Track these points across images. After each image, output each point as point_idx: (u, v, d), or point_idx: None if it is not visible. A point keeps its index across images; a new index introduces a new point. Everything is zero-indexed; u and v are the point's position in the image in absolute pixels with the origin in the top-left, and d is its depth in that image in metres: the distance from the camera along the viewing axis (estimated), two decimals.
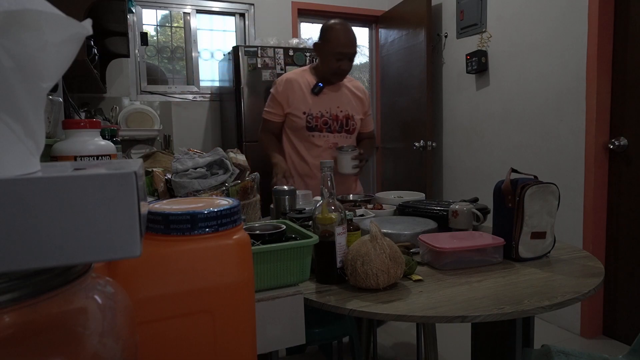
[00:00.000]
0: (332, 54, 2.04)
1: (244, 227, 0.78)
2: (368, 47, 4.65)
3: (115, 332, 0.40)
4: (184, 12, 3.83)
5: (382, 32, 4.32)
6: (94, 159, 1.13)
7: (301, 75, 2.17)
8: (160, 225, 0.59)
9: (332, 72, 2.08)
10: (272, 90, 2.18)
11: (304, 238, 1.05)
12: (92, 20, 0.41)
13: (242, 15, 3.97)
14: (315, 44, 2.14)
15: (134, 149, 3.41)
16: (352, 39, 2.06)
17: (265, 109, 2.21)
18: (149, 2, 3.65)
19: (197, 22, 3.87)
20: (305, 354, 1.87)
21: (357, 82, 2.30)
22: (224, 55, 3.69)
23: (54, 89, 1.57)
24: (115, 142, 1.48)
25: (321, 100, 2.13)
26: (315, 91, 2.12)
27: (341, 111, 2.17)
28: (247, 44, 3.86)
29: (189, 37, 3.85)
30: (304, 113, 2.12)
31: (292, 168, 2.18)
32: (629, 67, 2.44)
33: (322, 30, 2.10)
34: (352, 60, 2.08)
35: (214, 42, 4.02)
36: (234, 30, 4.02)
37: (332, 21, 2.10)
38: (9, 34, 0.34)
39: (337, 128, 2.16)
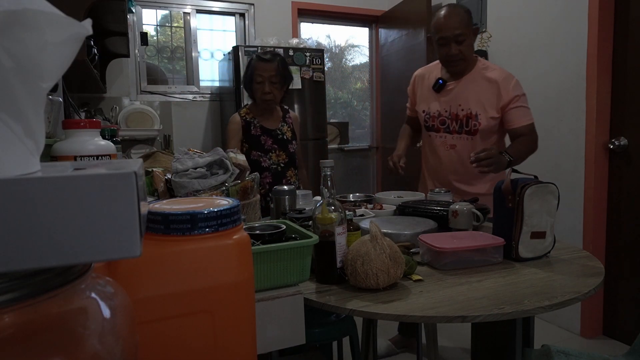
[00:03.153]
0: (437, 42, 1.91)
1: (244, 227, 0.78)
2: (368, 47, 4.65)
3: (115, 332, 0.40)
4: (184, 12, 3.82)
5: (382, 32, 4.32)
6: (94, 159, 1.13)
7: (431, 70, 2.07)
8: (160, 225, 0.59)
9: (443, 61, 1.95)
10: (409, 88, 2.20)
11: (304, 238, 1.05)
12: (92, 20, 0.41)
13: (242, 15, 3.97)
14: (428, 37, 2.13)
15: (134, 149, 3.41)
16: (452, 21, 1.85)
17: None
18: (149, 2, 3.65)
19: (197, 22, 3.87)
20: (305, 354, 1.87)
21: (499, 69, 1.96)
22: (224, 55, 3.69)
23: (54, 89, 1.57)
24: (115, 142, 1.48)
25: (443, 97, 1.98)
26: (435, 88, 1.99)
27: (462, 109, 1.94)
28: (247, 44, 3.86)
29: (189, 37, 3.85)
30: (423, 111, 2.04)
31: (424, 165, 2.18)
32: (629, 67, 2.44)
33: None
34: (459, 42, 1.85)
35: (214, 42, 4.02)
36: (234, 30, 4.02)
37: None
38: (9, 34, 0.34)
39: (456, 128, 1.96)
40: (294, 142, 2.32)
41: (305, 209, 1.52)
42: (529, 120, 1.91)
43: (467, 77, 1.94)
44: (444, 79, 1.98)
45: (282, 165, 2.25)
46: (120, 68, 3.53)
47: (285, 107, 2.38)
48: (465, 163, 1.88)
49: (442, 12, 1.92)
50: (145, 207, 0.44)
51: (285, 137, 2.28)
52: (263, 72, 2.15)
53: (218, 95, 3.86)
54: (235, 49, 3.31)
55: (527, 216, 1.27)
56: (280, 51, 3.37)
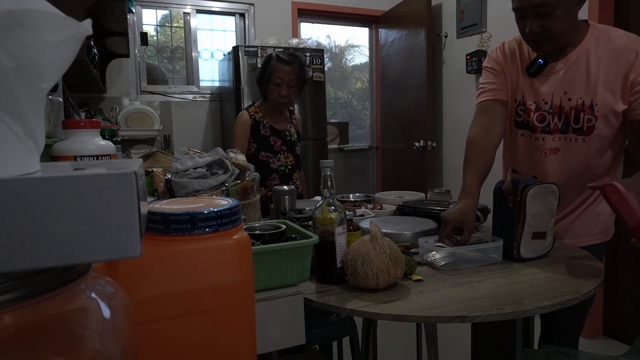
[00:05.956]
0: (515, 15, 1.37)
1: (244, 227, 0.78)
2: (368, 47, 4.65)
3: (115, 332, 0.40)
4: (184, 12, 3.83)
5: (382, 32, 4.32)
6: (94, 159, 1.13)
7: (523, 44, 1.48)
8: (160, 225, 0.59)
9: (525, 39, 1.41)
10: (486, 63, 1.56)
11: (304, 238, 1.05)
12: (92, 20, 0.41)
13: (242, 15, 3.97)
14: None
15: (134, 149, 3.41)
16: None
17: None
18: (149, 2, 3.65)
19: (197, 22, 3.87)
20: (305, 354, 1.87)
21: (625, 34, 1.36)
22: (224, 55, 3.69)
23: (54, 89, 1.57)
24: (115, 142, 1.48)
25: (541, 83, 1.43)
26: (531, 71, 1.44)
27: (569, 99, 1.39)
28: (247, 44, 3.86)
29: (189, 37, 3.85)
30: (516, 100, 1.49)
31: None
32: None
33: None
34: (542, 15, 1.28)
35: (214, 42, 4.02)
36: (234, 30, 4.02)
37: None
38: (9, 34, 0.34)
39: (559, 127, 1.41)
40: (299, 143, 2.33)
41: (305, 209, 1.52)
42: None
43: (577, 53, 1.38)
44: (546, 58, 1.43)
45: (289, 167, 2.24)
46: (120, 68, 3.53)
47: (291, 108, 2.38)
48: (575, 178, 1.41)
49: None
50: (145, 207, 0.44)
51: (292, 138, 2.28)
52: (283, 74, 2.10)
53: (218, 95, 3.86)
54: (235, 49, 3.31)
55: (529, 217, 1.26)
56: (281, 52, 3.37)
